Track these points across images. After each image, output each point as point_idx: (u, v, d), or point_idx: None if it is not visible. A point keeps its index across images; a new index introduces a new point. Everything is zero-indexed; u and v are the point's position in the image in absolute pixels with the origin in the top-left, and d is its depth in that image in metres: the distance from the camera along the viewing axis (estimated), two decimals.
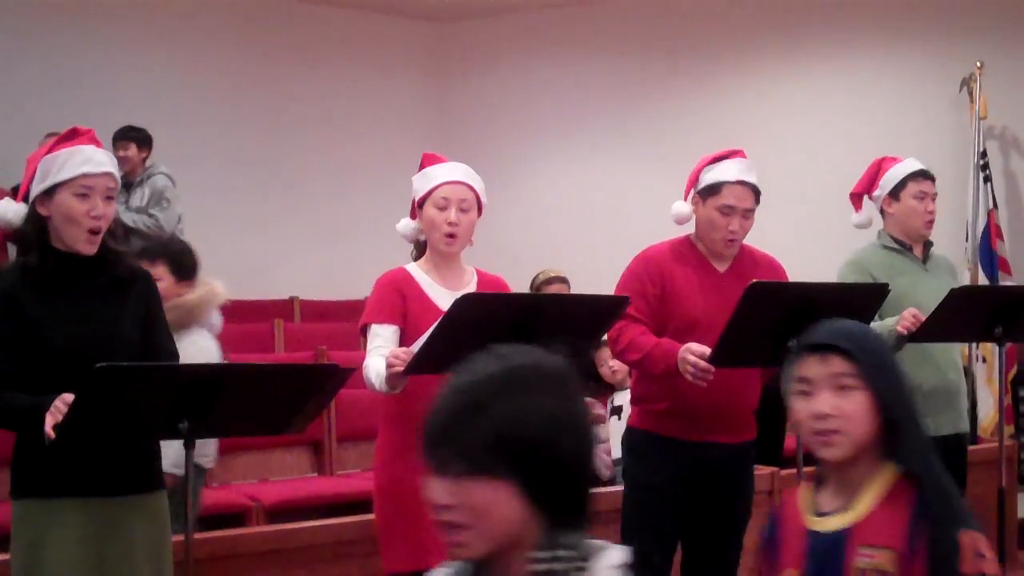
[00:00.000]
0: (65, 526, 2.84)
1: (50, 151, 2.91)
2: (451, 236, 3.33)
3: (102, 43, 8.33)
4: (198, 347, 4.09)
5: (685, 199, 3.71)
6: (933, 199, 4.20)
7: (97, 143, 2.97)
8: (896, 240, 4.19)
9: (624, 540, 3.69)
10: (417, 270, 3.41)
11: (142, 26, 8.50)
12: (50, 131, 6.72)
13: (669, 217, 3.74)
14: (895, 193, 4.18)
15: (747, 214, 3.60)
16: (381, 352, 3.19)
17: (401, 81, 9.83)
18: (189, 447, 2.73)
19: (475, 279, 3.45)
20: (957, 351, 4.31)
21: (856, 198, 4.30)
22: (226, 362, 2.91)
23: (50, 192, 2.87)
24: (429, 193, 3.36)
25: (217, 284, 4.51)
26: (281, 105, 9.12)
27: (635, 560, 1.74)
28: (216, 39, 8.87)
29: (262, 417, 2.85)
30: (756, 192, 3.62)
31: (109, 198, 2.91)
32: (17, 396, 2.78)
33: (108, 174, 2.91)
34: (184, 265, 4.37)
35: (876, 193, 4.23)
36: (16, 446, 2.91)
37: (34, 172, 2.91)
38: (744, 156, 3.67)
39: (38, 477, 2.86)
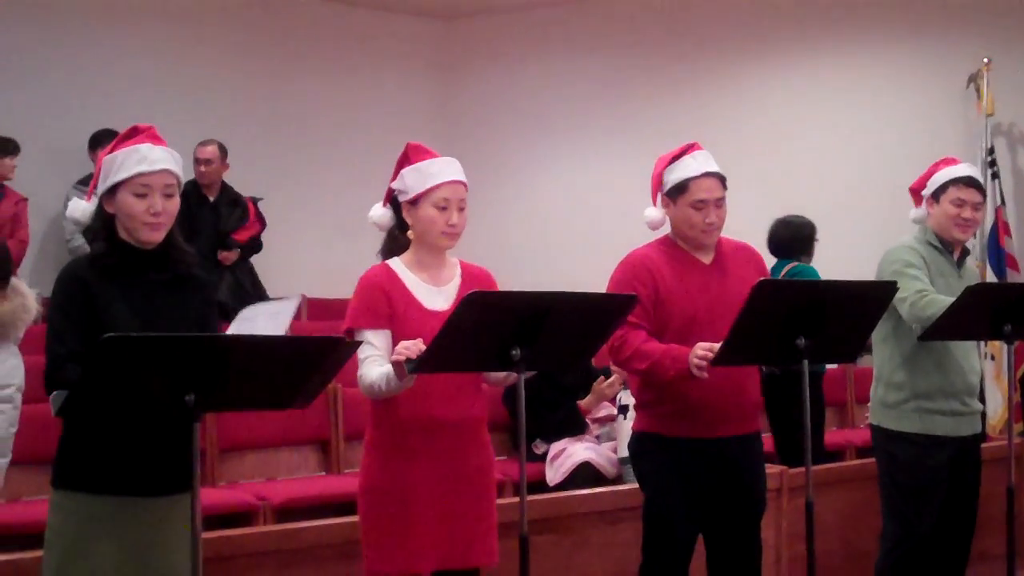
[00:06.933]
0: (108, 522, 2.85)
1: (112, 150, 2.97)
2: (451, 236, 3.29)
3: (106, 46, 8.36)
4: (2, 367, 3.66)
5: (654, 204, 3.73)
6: (975, 207, 4.21)
7: (156, 139, 3.00)
8: (939, 238, 4.23)
9: (646, 543, 3.68)
10: (401, 266, 3.31)
11: (143, 28, 8.52)
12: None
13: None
14: (936, 195, 4.24)
15: (719, 203, 3.64)
16: (376, 363, 3.15)
17: (406, 78, 9.83)
18: (197, 420, 2.72)
19: (459, 271, 3.37)
20: (975, 354, 4.35)
21: (914, 194, 4.34)
22: (234, 334, 2.91)
23: (112, 191, 2.93)
24: (428, 191, 3.28)
25: (30, 296, 3.95)
26: (285, 102, 9.13)
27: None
28: (219, 38, 8.88)
29: (268, 390, 2.84)
30: (722, 180, 3.66)
31: (169, 195, 2.94)
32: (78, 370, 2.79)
33: (165, 171, 2.94)
34: None
35: (924, 192, 4.29)
36: (61, 438, 2.92)
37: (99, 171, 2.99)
38: (700, 148, 3.70)
39: (82, 471, 2.87)
